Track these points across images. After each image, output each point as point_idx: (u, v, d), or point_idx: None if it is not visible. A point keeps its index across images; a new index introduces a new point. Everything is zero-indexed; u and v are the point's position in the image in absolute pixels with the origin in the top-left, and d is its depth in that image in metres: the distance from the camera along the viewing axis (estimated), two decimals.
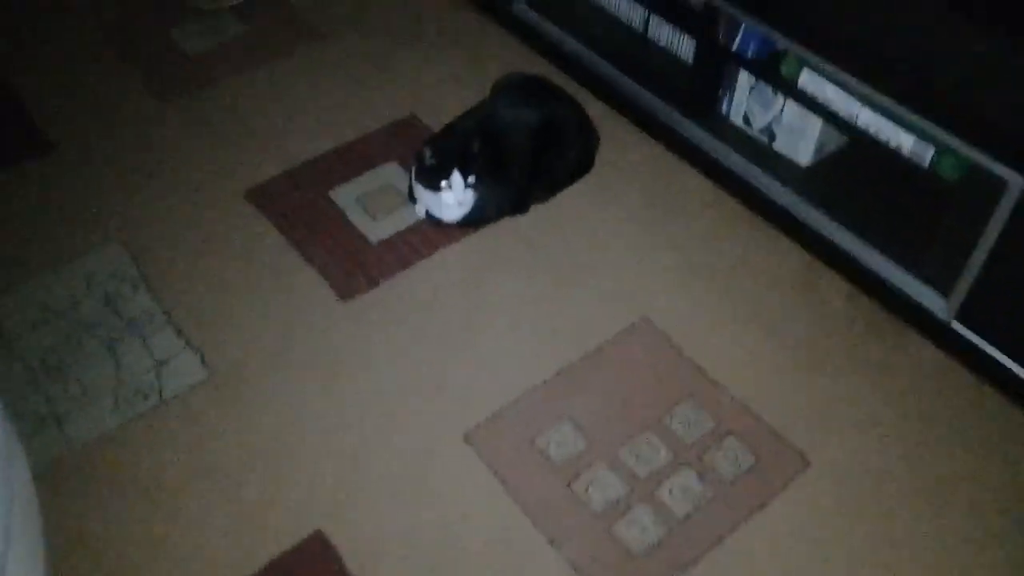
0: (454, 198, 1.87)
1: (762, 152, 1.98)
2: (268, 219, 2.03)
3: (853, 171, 1.94)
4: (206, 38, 2.50)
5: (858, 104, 1.69)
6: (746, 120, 2.01)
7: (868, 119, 1.68)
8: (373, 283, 1.91)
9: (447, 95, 2.31)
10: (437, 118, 2.23)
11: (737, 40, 1.85)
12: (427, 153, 1.86)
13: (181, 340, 1.81)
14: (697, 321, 1.84)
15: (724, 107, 2.04)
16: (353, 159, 2.17)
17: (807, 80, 1.75)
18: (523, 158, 1.96)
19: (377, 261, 1.95)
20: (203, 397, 1.72)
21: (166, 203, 2.07)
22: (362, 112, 2.28)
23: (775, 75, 1.82)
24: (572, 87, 2.22)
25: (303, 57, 2.45)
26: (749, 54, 1.84)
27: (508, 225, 2.01)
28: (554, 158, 2.00)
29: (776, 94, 1.90)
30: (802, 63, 1.75)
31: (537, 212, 2.04)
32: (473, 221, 1.98)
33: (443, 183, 1.86)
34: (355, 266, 1.94)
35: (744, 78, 1.95)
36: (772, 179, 1.92)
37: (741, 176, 1.96)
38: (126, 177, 2.13)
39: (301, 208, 2.06)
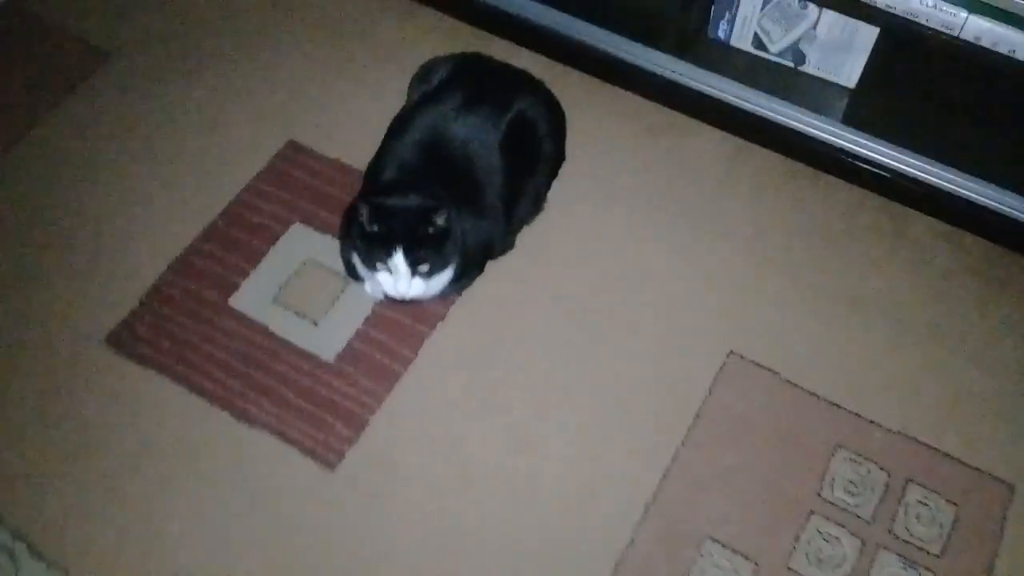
0: (395, 286, 1.26)
1: (789, 79, 1.50)
2: (158, 373, 1.37)
3: (912, 79, 1.51)
4: None
5: (963, 12, 1.22)
6: (758, 43, 1.51)
7: (978, 28, 1.23)
8: (360, 426, 1.33)
9: (330, 100, 1.64)
10: (326, 136, 1.59)
11: None
12: (363, 211, 1.23)
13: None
14: (794, 334, 1.40)
15: (721, 32, 1.52)
16: (237, 238, 1.50)
17: None
18: (498, 179, 1.37)
19: (348, 389, 1.36)
20: None
21: None
22: (218, 159, 1.58)
23: None
24: (501, 49, 1.61)
25: (88, 95, 1.66)
26: None
27: (497, 272, 1.45)
28: (532, 165, 1.43)
29: (806, 6, 1.41)
30: None
31: (527, 242, 1.48)
32: (452, 289, 1.40)
33: (378, 263, 1.25)
34: (322, 408, 1.34)
35: None
36: (807, 112, 1.46)
37: (763, 116, 1.49)
38: None
39: (200, 340, 1.40)
